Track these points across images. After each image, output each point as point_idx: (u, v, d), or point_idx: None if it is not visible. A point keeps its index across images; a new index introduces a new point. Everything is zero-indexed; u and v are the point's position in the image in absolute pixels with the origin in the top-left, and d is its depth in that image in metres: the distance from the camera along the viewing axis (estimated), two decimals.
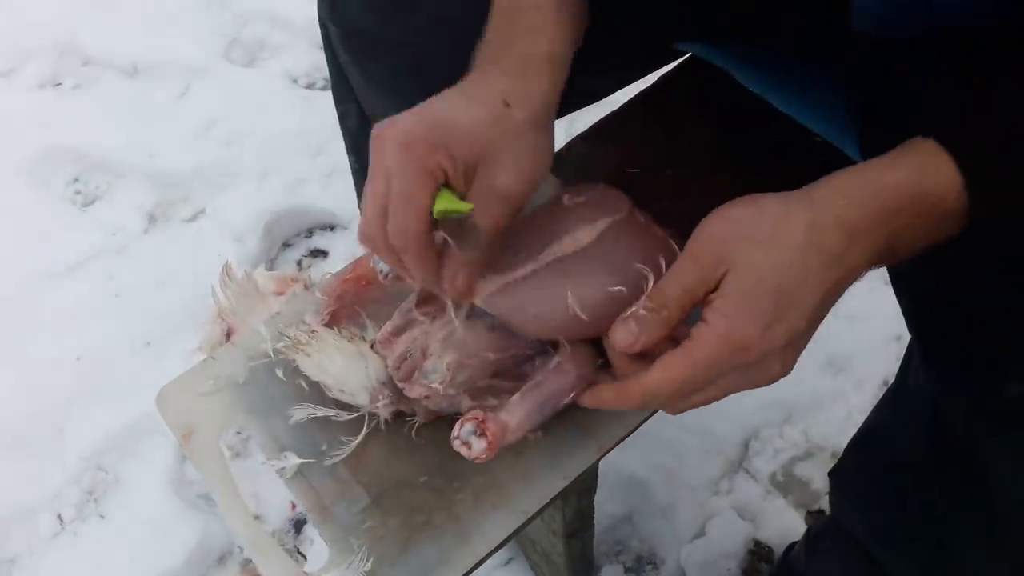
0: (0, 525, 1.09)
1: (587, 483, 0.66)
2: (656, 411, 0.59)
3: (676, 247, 0.59)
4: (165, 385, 0.61)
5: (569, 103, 0.81)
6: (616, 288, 0.53)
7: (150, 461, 1.13)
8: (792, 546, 0.97)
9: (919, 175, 0.43)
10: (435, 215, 0.48)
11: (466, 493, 0.54)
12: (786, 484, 1.09)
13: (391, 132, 0.48)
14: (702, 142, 0.73)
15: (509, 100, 0.50)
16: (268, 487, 1.10)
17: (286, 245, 1.39)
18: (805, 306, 0.43)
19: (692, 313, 0.46)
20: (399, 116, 0.49)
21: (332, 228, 1.40)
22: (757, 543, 1.04)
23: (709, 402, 0.46)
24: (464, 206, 0.48)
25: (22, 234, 1.39)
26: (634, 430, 0.58)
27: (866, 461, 0.68)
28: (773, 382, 0.45)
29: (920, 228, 0.44)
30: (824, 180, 0.45)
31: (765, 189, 0.70)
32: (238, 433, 1.14)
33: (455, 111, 0.49)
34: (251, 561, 1.06)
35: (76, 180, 1.49)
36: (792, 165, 0.71)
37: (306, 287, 0.66)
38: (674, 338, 0.46)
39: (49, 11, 1.70)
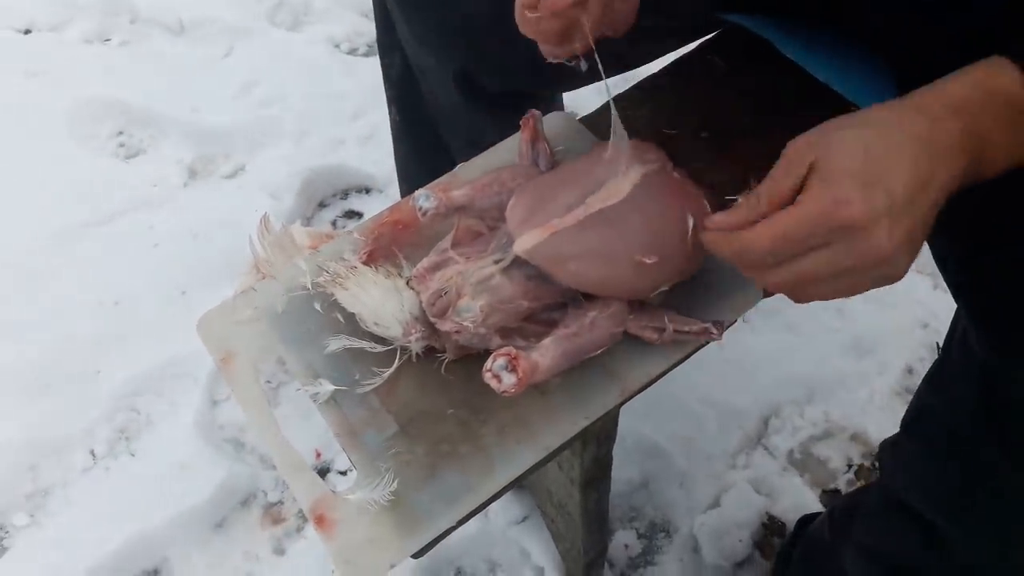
0: (37, 457, 1.13)
1: (607, 428, 0.67)
2: (679, 364, 0.60)
3: (707, 204, 0.60)
4: (207, 311, 0.63)
5: (610, 69, 0.83)
6: (650, 250, 0.56)
7: (181, 404, 1.17)
8: (806, 520, 0.98)
9: (985, 76, 0.46)
10: None
11: (491, 427, 0.56)
12: (803, 462, 1.10)
13: None
14: (739, 108, 0.74)
15: None
16: (294, 435, 1.13)
17: (322, 205, 1.42)
18: (900, 173, 0.44)
19: None
20: None
21: (368, 191, 1.43)
22: (771, 517, 1.05)
23: (804, 276, 0.47)
24: None
25: (67, 183, 1.43)
26: (658, 378, 0.59)
27: (923, 434, 0.68)
28: (883, 262, 0.45)
29: (1002, 126, 0.46)
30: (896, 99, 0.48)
31: None
32: (268, 382, 1.18)
33: None
34: (274, 505, 1.09)
35: (120, 133, 1.52)
36: None
37: None
38: None
39: None
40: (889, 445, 0.76)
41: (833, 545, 0.83)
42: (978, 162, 0.46)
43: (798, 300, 0.49)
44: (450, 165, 0.75)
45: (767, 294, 0.62)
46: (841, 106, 0.71)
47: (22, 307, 1.27)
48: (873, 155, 0.44)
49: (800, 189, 0.46)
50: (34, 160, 1.46)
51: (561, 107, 0.92)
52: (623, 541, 1.04)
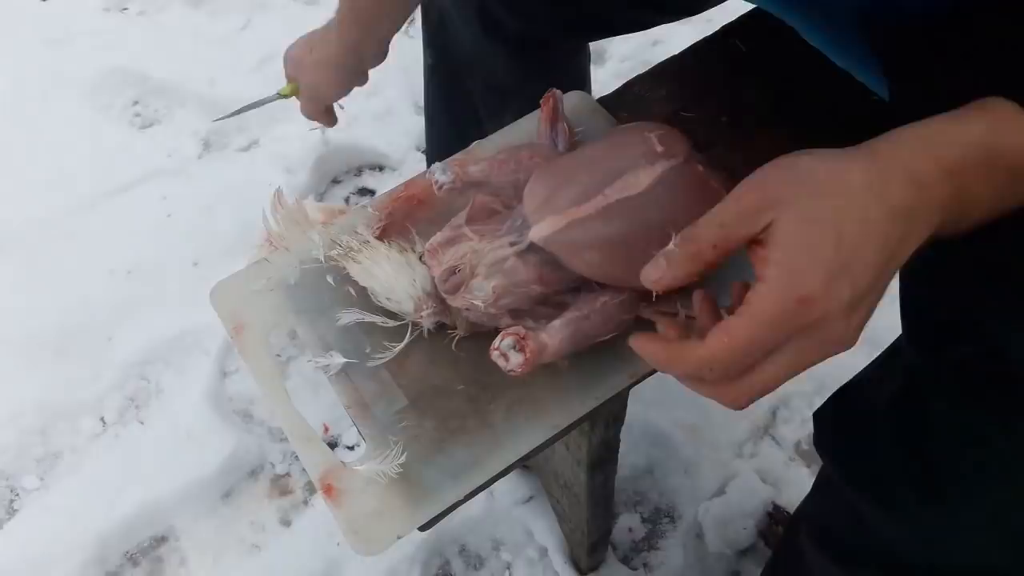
0: (48, 421, 1.14)
1: (616, 410, 0.67)
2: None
3: None
4: (220, 280, 0.64)
5: (627, 24, 0.82)
6: (664, 246, 0.53)
7: (191, 375, 1.18)
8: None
9: (992, 132, 0.41)
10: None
11: (500, 404, 0.56)
12: (810, 453, 1.10)
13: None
14: (760, 93, 0.74)
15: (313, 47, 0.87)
16: (303, 409, 1.14)
17: (335, 181, 1.42)
18: (869, 259, 0.39)
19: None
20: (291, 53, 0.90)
21: (381, 168, 1.42)
22: (776, 507, 1.05)
23: (771, 385, 0.42)
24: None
25: (83, 152, 1.43)
26: None
27: (842, 407, 0.68)
28: (839, 350, 0.41)
29: (993, 189, 0.41)
30: (887, 134, 0.42)
31: (820, 144, 0.70)
32: (278, 356, 1.18)
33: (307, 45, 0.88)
34: (281, 477, 1.10)
35: (136, 103, 1.53)
36: (848, 122, 0.71)
37: None
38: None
39: None
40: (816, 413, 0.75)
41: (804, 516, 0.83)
42: (956, 221, 0.42)
43: (741, 406, 0.44)
44: (472, 112, 0.75)
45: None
46: (861, 95, 0.70)
47: (37, 274, 1.28)
48: (846, 240, 0.39)
49: (754, 241, 0.41)
50: (50, 128, 1.47)
51: (588, 57, 0.91)
52: (627, 525, 1.04)
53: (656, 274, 0.43)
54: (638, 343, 0.45)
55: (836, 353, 0.41)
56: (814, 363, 0.41)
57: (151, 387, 1.18)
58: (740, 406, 0.44)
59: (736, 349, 0.40)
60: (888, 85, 0.61)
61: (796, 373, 0.41)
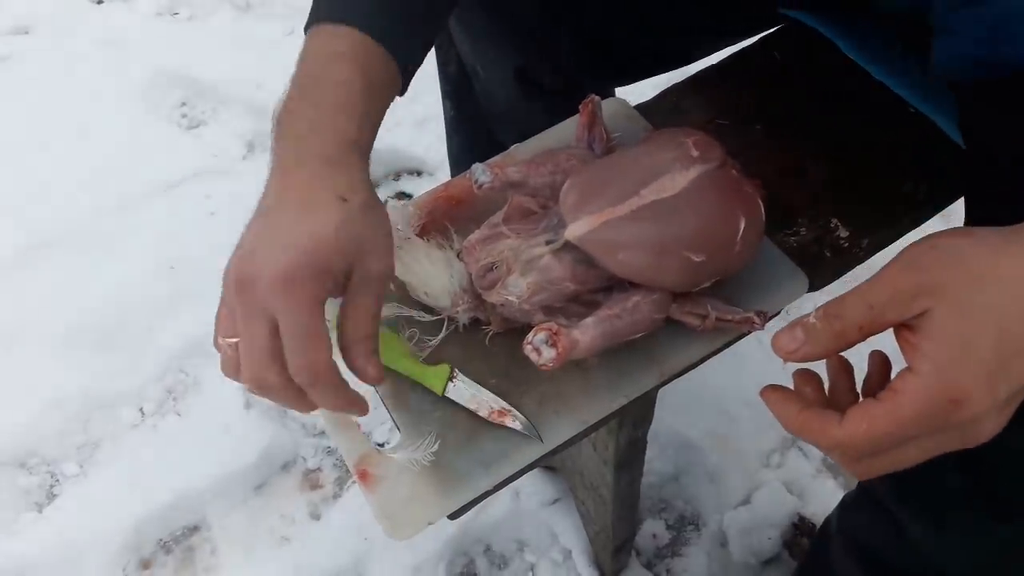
0: (90, 410, 1.17)
1: (644, 410, 0.68)
2: (719, 351, 0.61)
3: (762, 205, 0.60)
4: None
5: (670, 62, 0.84)
6: (699, 248, 0.55)
7: None
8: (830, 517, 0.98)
9: None
10: None
11: (531, 398, 0.58)
12: (837, 466, 1.09)
13: (264, 275, 0.44)
14: (796, 103, 0.75)
15: (343, 194, 0.47)
16: None
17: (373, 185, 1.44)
18: None
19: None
20: (255, 253, 0.46)
21: (419, 174, 1.45)
22: (801, 518, 1.05)
23: (901, 467, 0.40)
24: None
25: (131, 150, 1.48)
26: (698, 363, 0.60)
27: None
28: (982, 442, 0.39)
29: None
30: None
31: (854, 155, 0.71)
32: None
33: (309, 229, 0.46)
34: (313, 471, 1.12)
35: (183, 104, 1.57)
36: (884, 134, 0.72)
37: None
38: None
39: None
40: None
41: (837, 531, 0.83)
42: None
43: (861, 479, 0.43)
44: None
45: (812, 289, 0.63)
46: (897, 105, 0.71)
47: (84, 267, 1.32)
48: (1007, 337, 0.36)
49: (903, 326, 0.38)
50: (100, 126, 1.51)
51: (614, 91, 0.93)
52: (651, 531, 1.05)
53: (792, 345, 0.40)
54: (772, 397, 0.42)
55: (978, 443, 0.39)
56: (952, 450, 0.39)
57: (189, 380, 1.21)
58: (861, 478, 0.42)
59: (875, 439, 0.38)
60: (961, 127, 0.60)
61: (929, 457, 0.39)
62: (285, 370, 0.45)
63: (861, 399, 0.41)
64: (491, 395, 0.57)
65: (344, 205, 0.47)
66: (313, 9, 0.54)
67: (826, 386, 0.44)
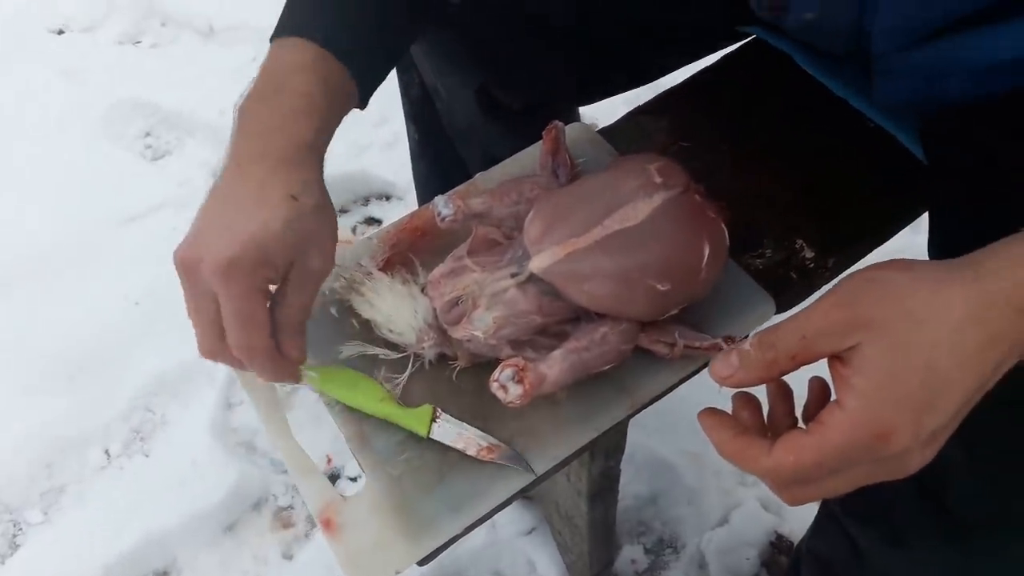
0: (53, 454, 1.14)
1: (616, 441, 0.67)
2: (688, 378, 0.60)
3: (726, 231, 0.60)
4: None
5: (632, 80, 0.84)
6: (665, 277, 0.55)
7: (196, 406, 1.18)
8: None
9: None
10: None
11: (500, 435, 0.56)
12: None
13: (208, 260, 0.48)
14: (759, 121, 0.74)
15: (295, 193, 0.50)
16: (306, 439, 1.14)
17: (342, 211, 1.43)
18: (957, 392, 0.37)
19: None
20: (203, 238, 0.49)
21: (388, 198, 1.44)
22: (779, 536, 1.04)
23: (830, 496, 0.41)
24: None
25: (94, 182, 1.45)
26: (667, 391, 0.59)
27: None
28: (908, 474, 0.39)
29: None
30: (992, 249, 0.40)
31: (818, 174, 0.71)
32: (282, 385, 1.18)
33: (258, 222, 0.48)
34: (284, 509, 1.10)
35: (148, 134, 1.55)
36: (847, 151, 0.72)
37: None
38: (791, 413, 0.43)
39: None
40: None
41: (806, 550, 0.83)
42: None
43: (792, 505, 0.43)
44: (466, 176, 0.75)
45: (778, 312, 0.62)
46: (857, 119, 0.71)
47: (46, 303, 1.29)
48: (936, 375, 0.36)
49: (835, 358, 0.39)
50: (64, 158, 1.49)
51: (578, 119, 0.93)
52: (630, 556, 1.04)
53: (726, 372, 0.41)
54: (708, 422, 0.43)
55: (905, 475, 0.39)
56: (879, 481, 0.40)
57: (156, 418, 1.18)
58: (791, 505, 0.43)
59: (801, 469, 0.38)
60: (923, 142, 0.61)
61: (858, 487, 0.40)
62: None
63: (800, 424, 0.42)
64: (477, 431, 0.56)
65: (295, 204, 0.50)
66: (280, 21, 0.57)
67: (766, 410, 0.44)
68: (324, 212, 0.53)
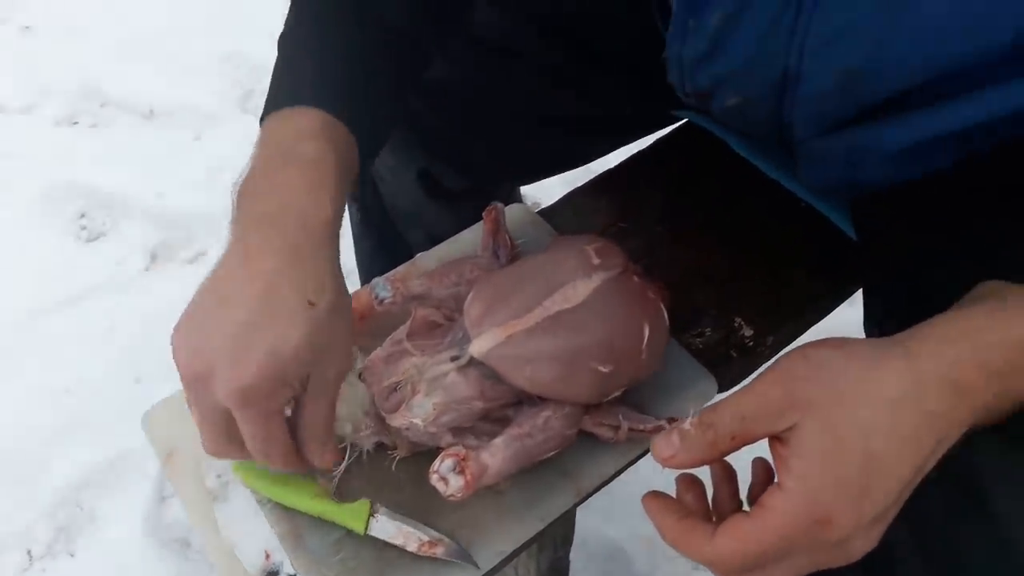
0: None
1: (564, 531, 0.65)
2: (635, 462, 0.59)
3: (665, 312, 0.60)
4: (153, 406, 0.61)
5: (565, 163, 0.85)
6: (606, 358, 0.54)
7: (127, 500, 1.12)
8: None
9: None
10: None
11: (442, 527, 0.54)
12: None
13: (221, 382, 0.44)
14: (694, 202, 0.76)
15: (312, 296, 0.46)
16: (245, 532, 1.09)
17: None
18: (896, 476, 0.37)
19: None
20: (212, 345, 0.44)
21: None
22: None
23: None
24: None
25: (26, 265, 1.40)
26: (614, 477, 0.58)
27: None
28: (854, 559, 0.38)
29: None
30: (924, 329, 0.40)
31: (754, 252, 0.72)
32: (218, 476, 1.13)
33: (273, 338, 0.44)
34: None
35: (83, 216, 1.51)
36: (781, 230, 0.74)
37: None
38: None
39: (77, 54, 1.77)
40: None
41: None
42: (995, 417, 0.40)
43: None
44: (409, 255, 0.74)
45: (721, 390, 0.62)
46: (789, 201, 0.72)
47: None
48: (874, 458, 0.36)
49: (775, 439, 0.39)
50: None
51: (520, 199, 0.93)
52: None
53: (667, 452, 0.40)
54: (651, 506, 0.42)
55: (849, 562, 0.39)
56: (826, 567, 0.39)
57: (83, 514, 1.12)
58: None
59: (745, 555, 0.38)
60: (855, 225, 0.63)
61: (803, 574, 0.39)
62: (243, 446, 0.47)
63: (745, 506, 0.41)
64: (418, 525, 0.54)
65: (311, 312, 0.45)
66: (271, 96, 0.54)
67: (710, 493, 0.44)
68: (340, 312, 0.48)
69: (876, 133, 0.51)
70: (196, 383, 0.45)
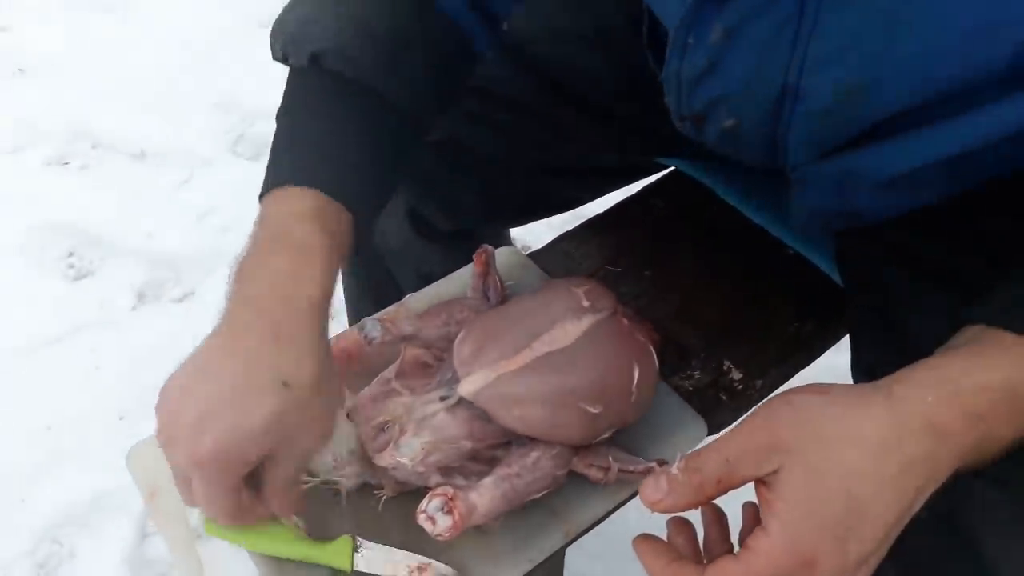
0: None
1: (553, 572, 0.65)
2: (625, 503, 0.59)
3: (655, 353, 0.61)
4: (137, 443, 0.61)
5: (554, 207, 0.86)
6: (596, 399, 0.55)
7: (109, 537, 1.10)
8: None
9: (1017, 371, 0.39)
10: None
11: (429, 572, 0.54)
12: None
13: (181, 447, 0.45)
14: (682, 248, 0.77)
15: (286, 378, 0.46)
16: (229, 571, 1.07)
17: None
18: (880, 518, 0.37)
19: None
20: (182, 410, 0.46)
21: None
22: None
23: None
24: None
25: (12, 306, 1.40)
26: (603, 518, 0.58)
27: None
28: None
29: (1015, 428, 0.40)
30: (905, 374, 0.41)
31: (742, 297, 0.73)
32: (202, 515, 1.12)
33: (236, 416, 0.45)
34: None
35: (71, 254, 1.51)
36: (769, 275, 0.75)
37: None
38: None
39: (68, 95, 1.78)
40: None
41: None
42: (976, 462, 0.40)
43: None
44: (399, 295, 0.75)
45: (710, 433, 0.62)
46: (779, 247, 0.74)
47: None
48: (856, 501, 0.37)
49: (760, 482, 0.40)
50: None
51: (509, 241, 0.94)
52: None
53: (655, 496, 0.41)
54: (642, 549, 0.43)
55: None
56: None
57: (63, 551, 1.10)
58: None
59: None
60: (840, 270, 0.64)
61: None
62: None
63: (736, 549, 0.41)
64: (405, 553, 0.53)
65: (282, 393, 0.46)
66: (269, 174, 0.55)
67: (702, 536, 0.44)
68: (315, 398, 0.48)
69: (869, 158, 0.52)
70: (165, 444, 0.47)
